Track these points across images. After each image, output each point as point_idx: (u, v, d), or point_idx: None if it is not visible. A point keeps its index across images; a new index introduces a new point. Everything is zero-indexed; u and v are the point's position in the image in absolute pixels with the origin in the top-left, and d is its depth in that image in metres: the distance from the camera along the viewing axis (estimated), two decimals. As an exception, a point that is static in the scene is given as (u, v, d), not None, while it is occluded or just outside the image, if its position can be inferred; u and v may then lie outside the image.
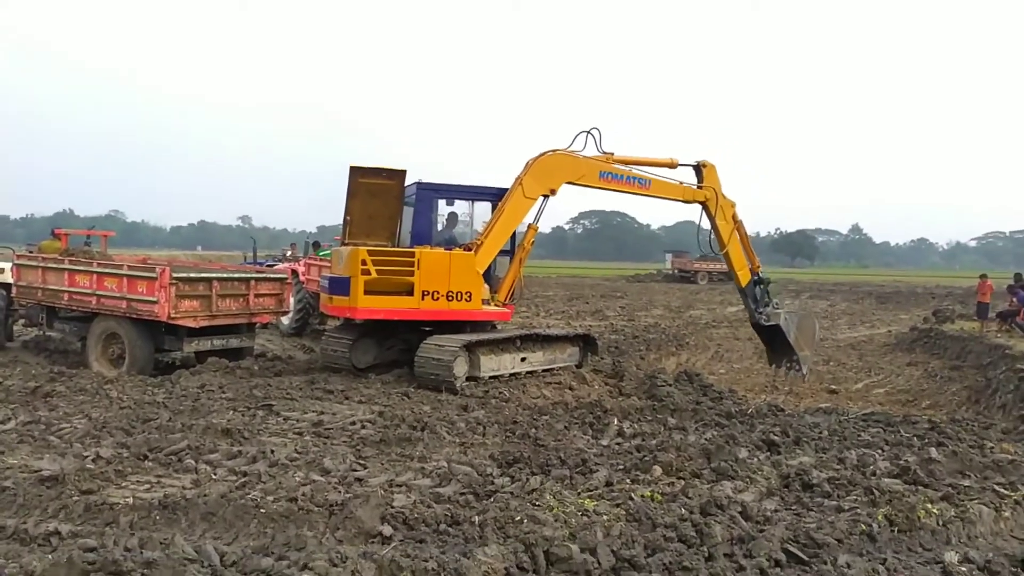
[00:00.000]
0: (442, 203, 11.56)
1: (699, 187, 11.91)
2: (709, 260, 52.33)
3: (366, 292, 10.12)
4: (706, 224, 12.14)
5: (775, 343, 12.75)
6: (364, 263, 10.07)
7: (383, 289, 10.23)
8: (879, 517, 5.39)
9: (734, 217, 12.03)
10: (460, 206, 11.92)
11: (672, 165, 11.71)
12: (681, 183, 11.81)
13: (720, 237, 11.94)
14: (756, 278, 12.19)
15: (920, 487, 6.17)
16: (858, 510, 5.57)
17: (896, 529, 5.33)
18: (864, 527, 5.23)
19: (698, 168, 11.96)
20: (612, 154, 11.20)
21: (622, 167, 11.25)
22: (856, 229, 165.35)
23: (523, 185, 10.77)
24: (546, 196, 10.99)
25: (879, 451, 7.49)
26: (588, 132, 10.94)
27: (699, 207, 12.09)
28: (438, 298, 10.40)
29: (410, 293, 10.31)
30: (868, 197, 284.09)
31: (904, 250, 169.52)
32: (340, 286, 10.47)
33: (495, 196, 11.55)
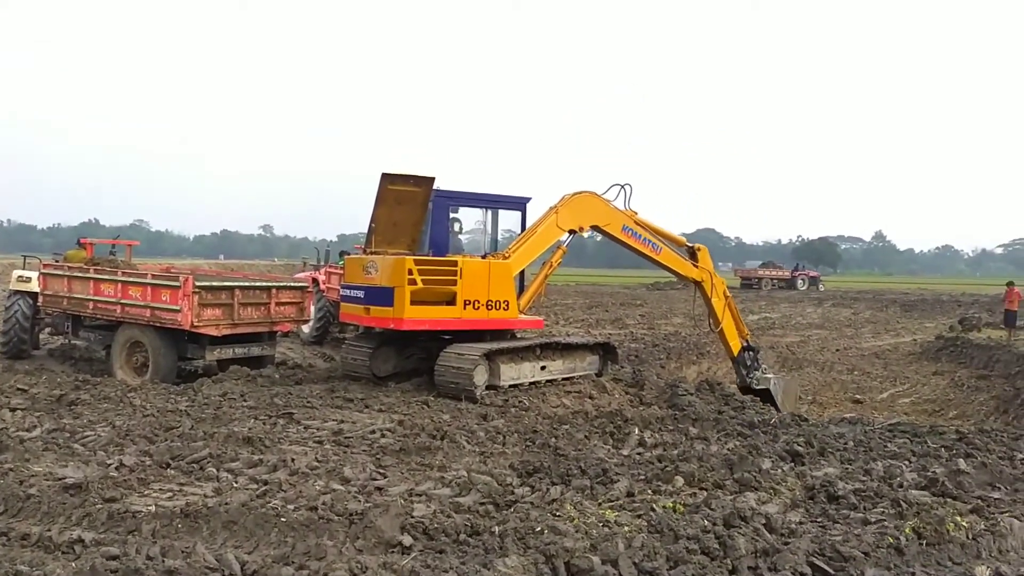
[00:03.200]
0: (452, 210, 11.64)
1: (696, 266, 12.36)
2: (771, 267, 54.86)
3: (412, 302, 9.94)
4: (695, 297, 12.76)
5: (762, 400, 12.95)
6: (411, 272, 9.91)
7: (427, 299, 10.14)
8: (907, 530, 5.29)
9: (725, 294, 12.55)
10: (470, 213, 12.03)
11: (680, 244, 12.46)
12: (685, 260, 12.43)
13: (715, 314, 12.42)
14: (747, 345, 12.68)
15: (949, 499, 6.05)
16: (885, 523, 5.47)
17: (924, 542, 5.23)
18: (891, 540, 5.13)
19: (692, 251, 12.47)
20: (636, 213, 11.71)
21: (642, 229, 11.75)
22: (880, 236, 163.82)
23: (558, 215, 11.10)
24: (573, 232, 11.36)
25: (906, 462, 7.36)
26: (622, 186, 11.59)
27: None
28: (479, 307, 10.41)
29: (452, 303, 10.28)
30: (892, 204, 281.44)
31: (929, 257, 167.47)
32: (381, 296, 10.18)
33: (510, 204, 11.70)
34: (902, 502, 5.84)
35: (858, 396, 13.53)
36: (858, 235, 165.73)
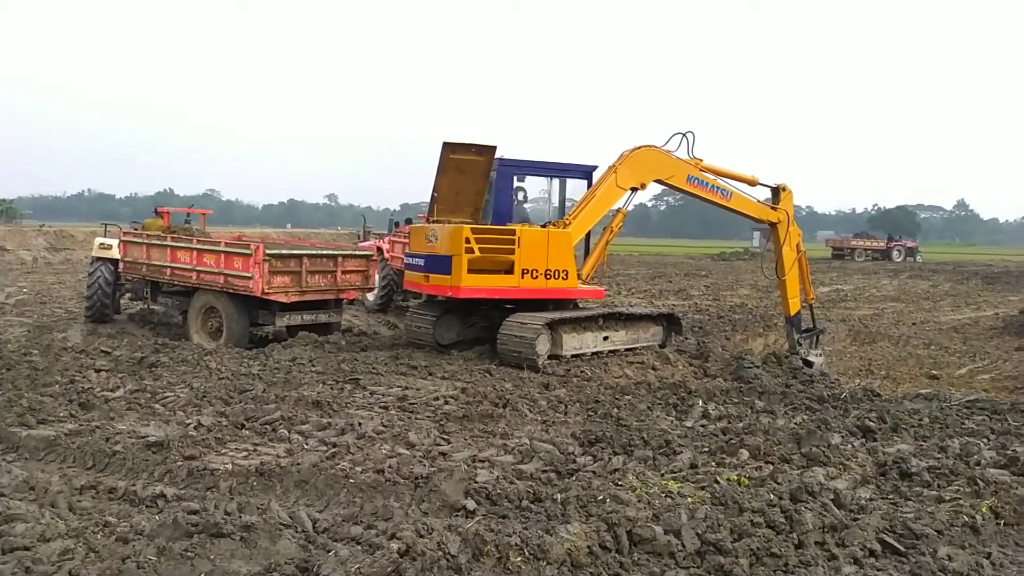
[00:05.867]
0: (515, 179, 11.58)
1: (774, 208, 11.85)
2: (865, 237, 52.29)
3: (469, 271, 10.09)
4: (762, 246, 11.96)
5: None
6: (468, 241, 10.01)
7: (484, 268, 10.24)
8: (983, 509, 5.10)
9: (798, 247, 11.98)
10: (534, 183, 11.95)
11: (753, 183, 11.82)
12: (758, 200, 11.94)
13: (783, 263, 11.85)
14: (809, 326, 12.09)
15: (1030, 479, 5.81)
16: (960, 501, 5.29)
17: (1002, 522, 5.04)
18: (967, 519, 4.96)
19: (776, 190, 11.97)
20: (701, 160, 11.26)
21: (709, 175, 11.32)
22: (962, 205, 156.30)
23: (617, 174, 10.82)
24: (635, 189, 11.06)
25: (984, 440, 7.08)
26: (683, 135, 11.10)
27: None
28: (537, 276, 10.41)
29: (510, 272, 10.33)
30: (975, 170, 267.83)
31: (1014, 227, 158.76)
32: (440, 264, 10.35)
33: (576, 173, 11.55)
34: (979, 480, 5.63)
35: (934, 372, 13.01)
36: (939, 204, 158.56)
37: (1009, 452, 6.48)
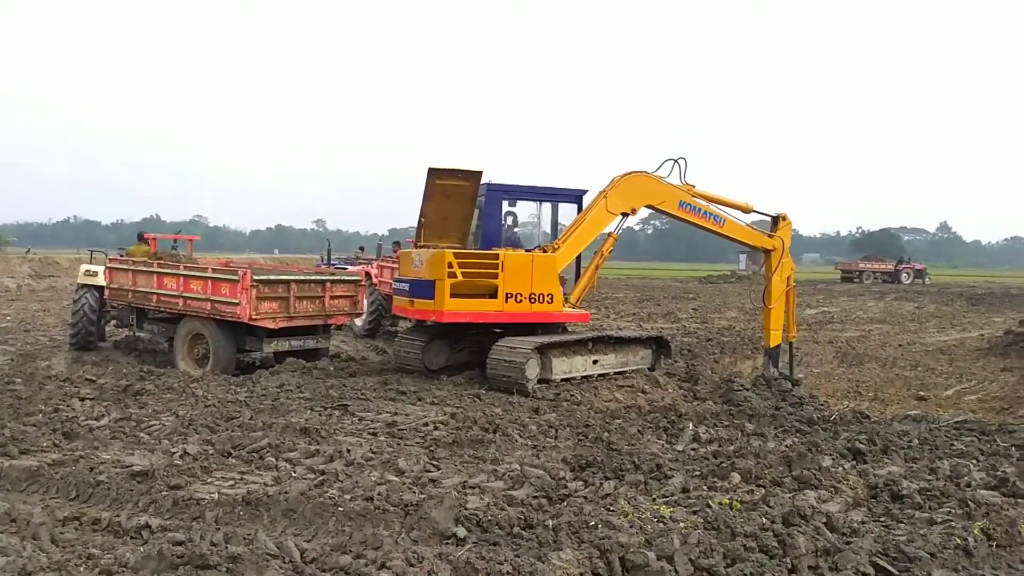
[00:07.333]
0: (505, 204, 11.61)
1: (770, 235, 11.96)
2: (874, 260, 53.03)
3: (452, 295, 10.11)
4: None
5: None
6: (451, 265, 10.05)
7: (468, 292, 10.24)
8: (975, 531, 5.10)
9: (789, 279, 12.05)
10: (524, 207, 11.97)
11: (748, 210, 11.90)
12: (752, 226, 12.04)
13: (771, 292, 11.95)
14: (786, 346, 12.19)
15: (1020, 500, 5.82)
16: (952, 523, 5.29)
17: (994, 544, 5.04)
18: (959, 541, 4.95)
19: (776, 219, 12.09)
20: (693, 186, 11.35)
21: (701, 201, 11.40)
22: (945, 227, 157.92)
23: (607, 199, 10.89)
24: (626, 214, 11.14)
25: (974, 461, 7.10)
26: (675, 161, 11.20)
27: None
28: (521, 300, 10.41)
29: (494, 296, 10.33)
30: (958, 193, 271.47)
31: (997, 249, 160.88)
32: (424, 289, 10.41)
33: (564, 197, 11.60)
34: (970, 502, 5.63)
35: (922, 393, 13.05)
36: (922, 226, 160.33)
37: (999, 473, 6.50)
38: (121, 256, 13.87)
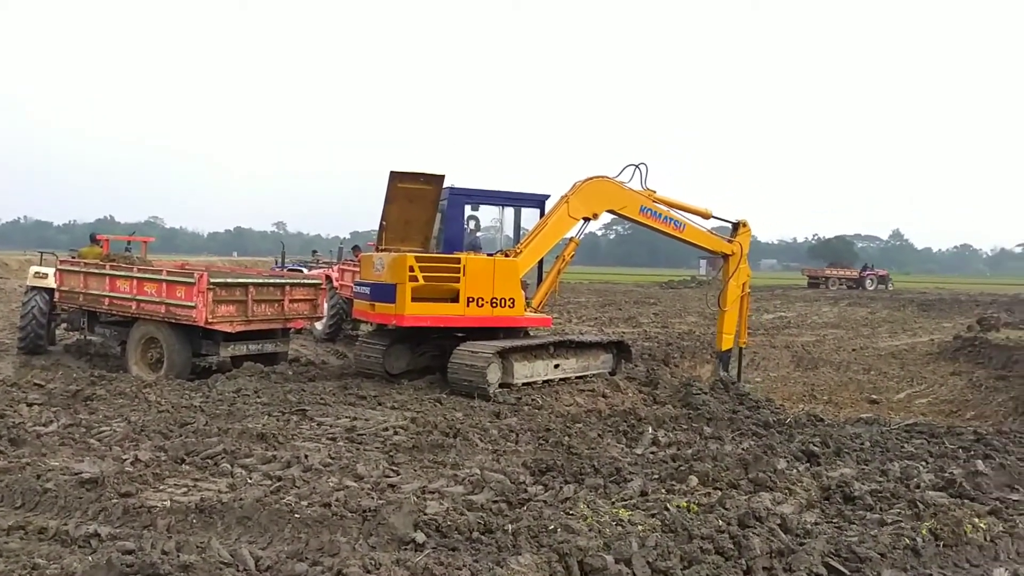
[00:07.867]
0: (467, 208, 11.62)
1: (729, 241, 12.20)
2: (839, 267, 54.54)
3: (413, 299, 10.05)
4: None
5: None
6: (412, 269, 10.00)
7: (429, 296, 10.20)
8: (924, 531, 5.23)
9: (745, 285, 12.35)
10: (487, 211, 11.99)
11: (707, 216, 12.14)
12: (711, 231, 12.28)
13: (726, 296, 12.23)
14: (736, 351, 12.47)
15: (967, 501, 5.98)
16: (902, 524, 5.42)
17: (942, 544, 5.17)
18: (908, 541, 5.08)
19: (736, 225, 12.34)
20: (654, 191, 11.51)
21: (662, 207, 11.56)
22: (897, 235, 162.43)
23: (569, 204, 10.99)
24: (587, 219, 11.24)
25: (923, 463, 7.28)
26: (636, 166, 11.36)
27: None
28: (483, 304, 10.40)
29: (455, 300, 10.30)
30: (909, 202, 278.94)
31: (947, 256, 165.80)
32: (385, 293, 10.33)
33: (526, 202, 11.64)
34: (919, 503, 5.78)
35: (874, 396, 13.38)
36: (875, 234, 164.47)
37: (946, 475, 6.67)
38: (72, 258, 13.53)
